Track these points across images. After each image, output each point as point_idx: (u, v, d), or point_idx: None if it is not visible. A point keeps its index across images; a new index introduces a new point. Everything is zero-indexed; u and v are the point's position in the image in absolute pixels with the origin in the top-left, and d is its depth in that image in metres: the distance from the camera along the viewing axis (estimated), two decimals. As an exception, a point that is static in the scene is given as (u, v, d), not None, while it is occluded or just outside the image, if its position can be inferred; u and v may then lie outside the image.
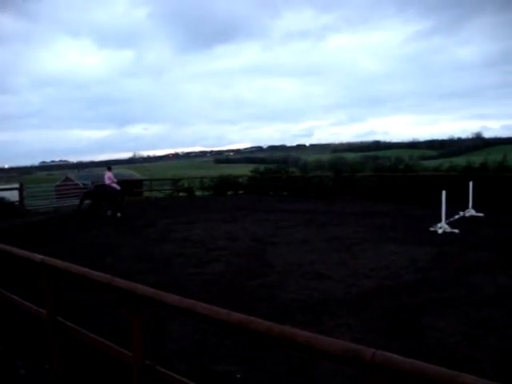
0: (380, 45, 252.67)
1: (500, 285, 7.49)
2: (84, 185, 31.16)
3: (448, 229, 12.14)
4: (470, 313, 6.31)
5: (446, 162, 21.61)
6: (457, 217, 13.98)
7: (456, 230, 12.04)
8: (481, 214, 14.72)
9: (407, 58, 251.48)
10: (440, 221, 12.30)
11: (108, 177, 18.46)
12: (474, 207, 15.11)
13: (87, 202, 17.92)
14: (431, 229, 12.30)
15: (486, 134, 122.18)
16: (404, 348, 5.19)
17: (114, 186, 18.22)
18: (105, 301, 6.95)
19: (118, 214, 17.60)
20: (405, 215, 15.27)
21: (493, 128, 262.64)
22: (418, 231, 12.25)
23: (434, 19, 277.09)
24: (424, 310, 6.47)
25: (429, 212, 14.20)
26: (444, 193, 12.27)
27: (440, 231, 12.06)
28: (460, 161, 21.14)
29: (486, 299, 6.83)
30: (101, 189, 18.19)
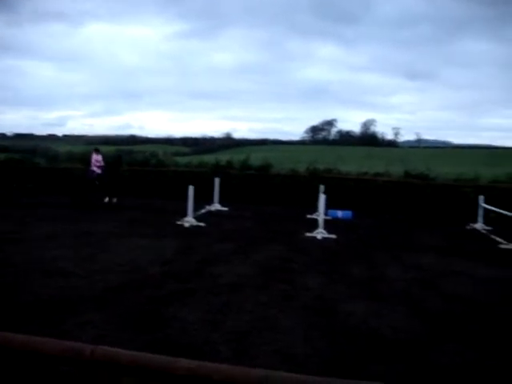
0: (141, 40, 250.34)
1: (237, 273, 8.11)
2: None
3: (195, 222, 12.69)
4: (210, 301, 6.67)
5: (196, 159, 22.62)
6: (203, 211, 14.75)
7: (202, 224, 12.66)
8: (225, 209, 15.76)
9: (167, 56, 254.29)
10: (187, 215, 12.80)
11: (93, 159, 16.56)
12: (219, 202, 16.11)
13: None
14: (178, 222, 12.72)
15: (235, 135, 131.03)
16: (150, 340, 5.24)
17: (95, 169, 16.14)
18: None
19: (114, 200, 16.27)
20: (155, 209, 15.53)
21: (241, 129, 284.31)
22: (167, 225, 12.56)
23: (193, 23, 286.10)
24: (169, 301, 6.61)
25: (178, 206, 14.64)
26: (191, 188, 12.78)
27: (187, 225, 12.54)
28: (210, 158, 22.27)
29: (225, 287, 7.32)
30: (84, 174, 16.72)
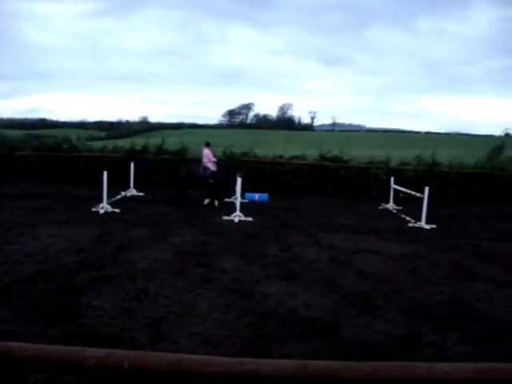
0: (49, 17, 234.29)
1: (153, 258, 8.00)
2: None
3: (109, 208, 12.38)
4: (126, 288, 6.54)
5: (111, 144, 21.94)
6: (119, 197, 14.40)
7: (117, 210, 12.36)
8: (141, 194, 15.47)
9: (78, 36, 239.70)
10: (102, 201, 12.44)
11: (205, 154, 14.63)
12: (134, 187, 15.79)
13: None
14: (93, 209, 12.34)
15: (152, 119, 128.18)
16: (64, 331, 5.08)
17: (209, 165, 14.15)
18: None
19: (216, 203, 14.19)
20: (67, 196, 14.95)
21: (158, 113, 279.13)
22: (80, 212, 12.13)
23: (105, 2, 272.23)
24: (83, 290, 6.41)
25: (92, 192, 14.21)
26: (105, 173, 12.41)
27: (102, 211, 12.19)
28: (125, 143, 21.72)
29: (141, 273, 7.20)
30: (186, 170, 14.47)
